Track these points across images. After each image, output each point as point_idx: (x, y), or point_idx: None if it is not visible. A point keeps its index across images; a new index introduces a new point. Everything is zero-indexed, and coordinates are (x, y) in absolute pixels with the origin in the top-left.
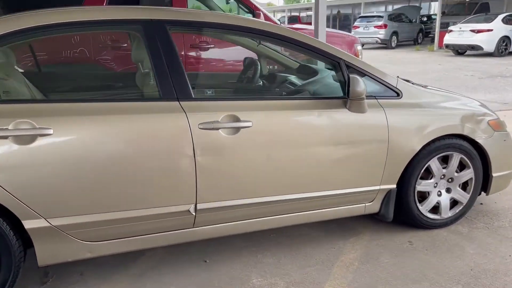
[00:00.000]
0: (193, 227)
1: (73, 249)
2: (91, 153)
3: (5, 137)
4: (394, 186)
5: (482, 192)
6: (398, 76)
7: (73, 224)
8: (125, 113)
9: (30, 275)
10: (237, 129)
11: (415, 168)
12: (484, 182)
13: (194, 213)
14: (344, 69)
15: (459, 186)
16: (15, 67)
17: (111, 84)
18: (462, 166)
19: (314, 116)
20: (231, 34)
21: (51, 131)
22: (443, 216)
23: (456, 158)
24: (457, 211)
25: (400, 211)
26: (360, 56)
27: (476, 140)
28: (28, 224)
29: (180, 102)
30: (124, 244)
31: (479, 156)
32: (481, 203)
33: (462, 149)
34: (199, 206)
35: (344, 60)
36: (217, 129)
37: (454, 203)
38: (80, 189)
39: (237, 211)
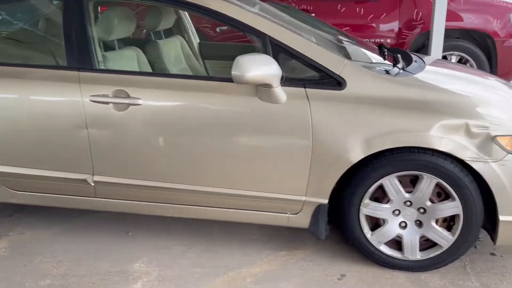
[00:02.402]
0: (96, 197)
1: (1, 192)
2: (10, 114)
3: None
4: (325, 201)
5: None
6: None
7: (1, 172)
8: (29, 78)
9: None
10: (127, 106)
11: (359, 184)
12: (492, 226)
13: (92, 184)
14: (268, 47)
15: (435, 222)
16: None
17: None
18: (447, 196)
19: (216, 101)
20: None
21: None
22: (406, 256)
23: (428, 183)
24: (431, 255)
25: (346, 234)
26: None
27: (467, 162)
28: None
29: (80, 72)
30: (37, 198)
31: (480, 186)
32: (493, 253)
33: (440, 171)
34: (96, 178)
35: (269, 36)
36: (107, 103)
37: (432, 244)
38: (4, 144)
39: (137, 191)
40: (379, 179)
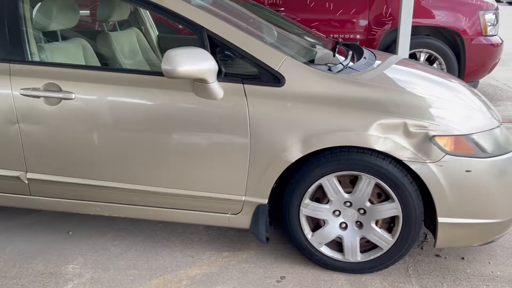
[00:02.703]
0: (30, 195)
1: None
2: None
3: None
4: (265, 201)
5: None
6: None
7: None
8: None
9: None
10: (59, 100)
11: (298, 183)
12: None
13: (26, 181)
14: (205, 40)
15: (375, 224)
16: None
17: None
18: (387, 197)
19: (151, 96)
20: None
21: None
22: (347, 257)
23: (366, 183)
24: (372, 257)
25: (288, 236)
26: (491, 30)
27: (405, 162)
28: None
29: (11, 64)
30: None
31: (421, 187)
32: (438, 255)
33: (378, 172)
34: (29, 175)
35: (206, 29)
36: (38, 97)
37: (373, 245)
38: None
39: (72, 189)
40: (318, 179)
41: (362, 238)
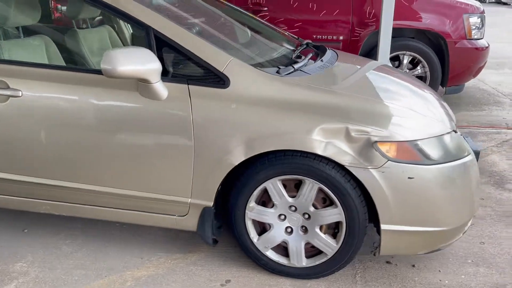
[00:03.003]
0: None
1: None
2: None
3: None
4: (211, 204)
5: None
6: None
7: None
8: None
9: None
10: (7, 97)
11: (243, 186)
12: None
13: None
14: (152, 40)
15: (320, 229)
16: None
17: None
18: (331, 202)
19: (96, 95)
20: None
21: None
22: (293, 262)
23: (310, 187)
24: (317, 262)
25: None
26: (476, 33)
27: (347, 167)
28: None
29: None
30: None
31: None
32: (389, 261)
33: (321, 177)
34: None
35: (153, 28)
36: None
37: (318, 251)
38: None
39: (18, 187)
40: (263, 182)
41: (307, 243)
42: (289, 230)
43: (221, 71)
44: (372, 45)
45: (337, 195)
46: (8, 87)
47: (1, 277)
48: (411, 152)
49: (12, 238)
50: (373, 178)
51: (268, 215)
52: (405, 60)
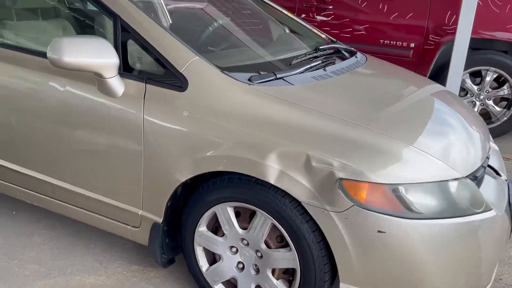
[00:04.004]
0: None
1: None
2: None
3: None
4: (159, 220)
5: None
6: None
7: None
8: None
9: None
10: None
11: (193, 207)
12: None
13: None
14: (118, 30)
15: (272, 273)
16: None
17: None
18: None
19: (59, 83)
20: None
21: None
22: None
23: (262, 221)
24: None
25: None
26: None
27: (303, 204)
28: None
29: None
30: None
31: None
32: None
33: (276, 211)
34: None
35: (120, 17)
36: None
37: None
38: None
39: (3, 173)
40: (212, 206)
41: (258, 286)
42: (240, 266)
43: (181, 71)
44: (450, 55)
45: (292, 237)
46: None
47: None
48: (389, 199)
49: None
50: (333, 224)
51: (217, 244)
52: (488, 77)
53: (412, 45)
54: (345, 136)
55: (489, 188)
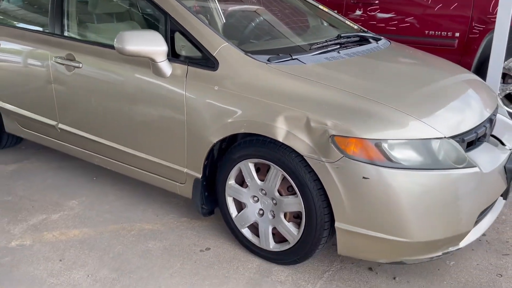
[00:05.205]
0: (61, 141)
1: (16, 128)
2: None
3: None
4: (199, 176)
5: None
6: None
7: (13, 112)
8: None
9: None
10: (73, 68)
11: (223, 165)
12: None
13: (59, 130)
14: (167, 25)
15: (284, 216)
16: None
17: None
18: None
19: (125, 71)
20: None
21: None
22: (262, 244)
23: (274, 174)
24: (282, 249)
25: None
26: None
27: (305, 157)
28: None
29: (55, 37)
30: (34, 136)
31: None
32: (371, 268)
33: (285, 164)
34: (60, 126)
35: (170, 14)
36: (62, 64)
37: (284, 237)
38: (14, 92)
39: (84, 142)
40: (238, 162)
41: (275, 228)
42: (261, 212)
43: (213, 54)
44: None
45: (297, 185)
46: (74, 59)
47: (54, 207)
48: (373, 151)
49: (82, 182)
50: (327, 172)
51: (242, 194)
52: None
53: (457, 34)
54: (339, 102)
55: (483, 152)
